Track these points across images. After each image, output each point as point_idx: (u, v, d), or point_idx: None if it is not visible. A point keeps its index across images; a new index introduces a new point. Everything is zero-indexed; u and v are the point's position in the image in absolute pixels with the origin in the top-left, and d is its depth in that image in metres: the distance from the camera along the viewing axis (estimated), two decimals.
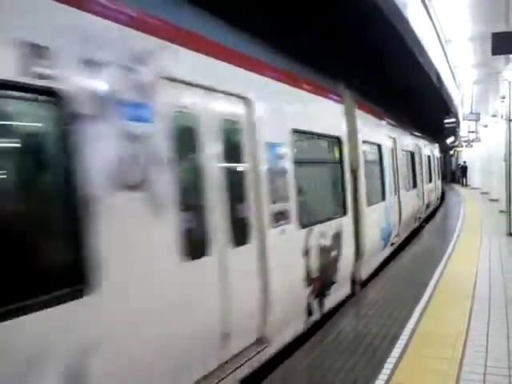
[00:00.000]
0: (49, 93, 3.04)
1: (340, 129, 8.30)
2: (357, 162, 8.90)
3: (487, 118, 27.66)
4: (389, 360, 5.11)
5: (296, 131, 6.39)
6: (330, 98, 8.19)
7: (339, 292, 7.64)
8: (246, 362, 4.85)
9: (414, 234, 15.17)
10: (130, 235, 3.54)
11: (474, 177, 37.74)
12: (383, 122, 12.55)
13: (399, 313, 6.74)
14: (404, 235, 13.65)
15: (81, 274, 3.15)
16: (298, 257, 6.23)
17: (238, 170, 5.16)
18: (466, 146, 41.14)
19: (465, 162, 43.97)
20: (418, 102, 21.34)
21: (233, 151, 4.98)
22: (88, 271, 3.17)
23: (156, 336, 3.66)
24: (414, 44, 13.03)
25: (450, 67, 23.80)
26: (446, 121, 34.39)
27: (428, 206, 19.97)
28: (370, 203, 9.50)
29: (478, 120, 30.97)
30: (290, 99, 6.52)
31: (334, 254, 7.36)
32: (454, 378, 4.61)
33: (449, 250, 11.30)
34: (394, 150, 12.93)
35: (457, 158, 56.58)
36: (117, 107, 3.46)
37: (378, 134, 11.21)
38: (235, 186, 4.93)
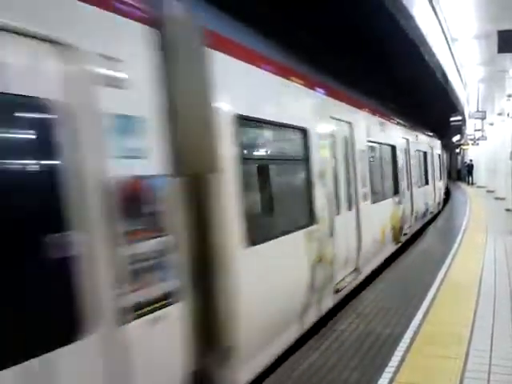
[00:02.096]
0: None
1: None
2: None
3: (493, 116, 27.58)
4: (393, 359, 5.11)
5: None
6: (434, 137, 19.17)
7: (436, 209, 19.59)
8: None
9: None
10: None
11: (479, 175, 37.63)
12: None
13: (403, 311, 6.73)
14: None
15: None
16: None
17: None
18: (472, 144, 41.00)
19: (471, 161, 43.84)
20: (423, 99, 21.29)
21: None
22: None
23: None
24: (420, 42, 13.00)
25: (455, 65, 23.71)
26: (451, 119, 34.28)
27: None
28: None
29: (484, 118, 30.88)
30: None
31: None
32: (458, 377, 4.61)
33: (454, 249, 11.27)
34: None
35: (463, 157, 56.40)
36: None
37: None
38: None
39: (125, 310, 3.09)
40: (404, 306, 7.00)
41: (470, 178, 43.28)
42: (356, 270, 8.34)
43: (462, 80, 27.77)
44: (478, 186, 36.43)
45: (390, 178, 11.82)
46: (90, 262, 2.91)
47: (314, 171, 6.56)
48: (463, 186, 41.08)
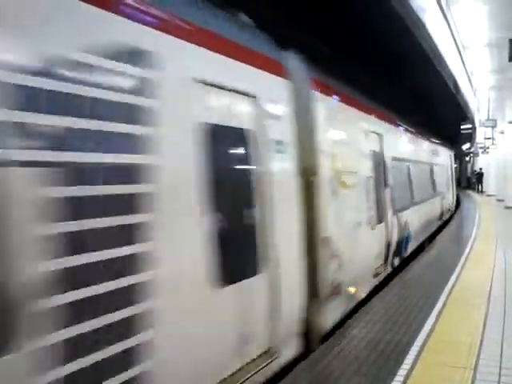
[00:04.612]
0: None
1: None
2: None
3: (503, 125, 27.47)
4: (402, 367, 5.08)
5: None
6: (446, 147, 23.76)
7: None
8: None
9: None
10: None
11: (489, 183, 37.46)
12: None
13: (413, 319, 6.71)
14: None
15: None
16: None
17: None
18: (482, 152, 40.83)
19: (481, 169, 43.60)
20: (434, 107, 21.27)
21: None
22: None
23: None
24: (431, 50, 13.00)
25: (466, 73, 23.67)
26: (462, 127, 34.19)
27: None
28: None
29: (495, 126, 30.76)
30: None
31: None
32: None
33: (463, 258, 11.22)
34: None
35: (472, 165, 56.15)
36: None
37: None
38: None
39: None
40: (413, 314, 6.98)
41: (480, 187, 43.04)
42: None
43: (472, 88, 27.70)
44: (488, 195, 36.21)
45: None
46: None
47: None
48: (473, 194, 40.85)
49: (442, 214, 19.07)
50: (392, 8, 9.18)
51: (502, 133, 28.37)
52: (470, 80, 25.64)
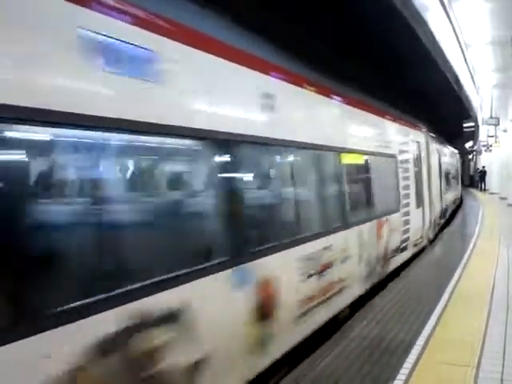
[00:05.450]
0: None
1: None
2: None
3: (506, 123, 27.37)
4: (404, 366, 5.07)
5: None
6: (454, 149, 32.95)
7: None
8: None
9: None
10: None
11: (492, 181, 37.32)
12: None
13: (415, 318, 6.69)
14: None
15: None
16: None
17: None
18: (485, 150, 40.69)
19: (484, 167, 43.41)
20: (436, 105, 21.21)
21: None
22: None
23: None
24: (434, 48, 12.96)
25: (469, 71, 23.61)
26: (465, 125, 34.08)
27: None
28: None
29: (498, 124, 30.64)
30: None
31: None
32: None
33: (466, 257, 11.19)
34: None
35: (475, 163, 55.97)
36: None
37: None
38: None
39: None
40: (416, 312, 6.96)
41: (483, 185, 42.87)
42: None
43: (475, 86, 27.63)
44: (491, 193, 36.10)
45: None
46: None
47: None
48: (476, 192, 40.72)
49: (455, 200, 27.12)
50: (393, 5, 9.16)
51: (505, 131, 28.25)
52: (472, 78, 25.59)
